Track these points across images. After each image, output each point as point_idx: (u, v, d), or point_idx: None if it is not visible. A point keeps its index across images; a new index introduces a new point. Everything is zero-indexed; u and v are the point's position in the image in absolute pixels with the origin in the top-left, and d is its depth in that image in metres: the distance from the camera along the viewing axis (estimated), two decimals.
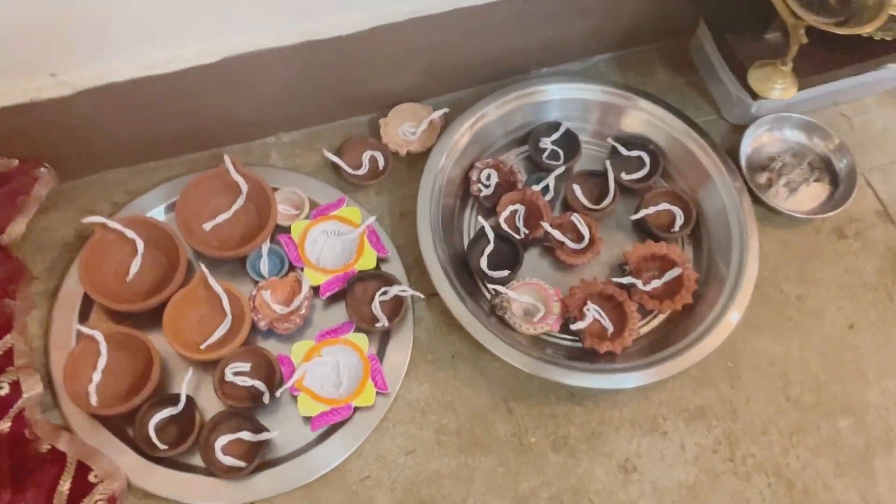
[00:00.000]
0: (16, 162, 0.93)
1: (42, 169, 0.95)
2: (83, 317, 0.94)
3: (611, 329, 0.96)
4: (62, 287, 0.95)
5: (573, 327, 0.96)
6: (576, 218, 1.01)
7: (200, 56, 0.89)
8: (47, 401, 0.89)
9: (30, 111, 0.86)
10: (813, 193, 1.11)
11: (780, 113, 1.12)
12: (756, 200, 1.07)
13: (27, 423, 0.86)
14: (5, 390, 0.86)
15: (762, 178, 1.11)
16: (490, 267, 0.99)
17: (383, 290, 0.96)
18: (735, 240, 1.01)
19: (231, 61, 0.90)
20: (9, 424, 0.85)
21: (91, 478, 0.83)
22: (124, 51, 0.86)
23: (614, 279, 0.99)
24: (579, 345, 0.97)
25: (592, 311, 0.96)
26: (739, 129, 1.12)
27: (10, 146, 0.91)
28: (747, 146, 1.10)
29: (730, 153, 1.08)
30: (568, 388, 0.94)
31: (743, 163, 1.08)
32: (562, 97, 1.08)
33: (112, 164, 1.03)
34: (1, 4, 0.74)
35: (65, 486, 0.82)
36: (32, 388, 0.87)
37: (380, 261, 1.00)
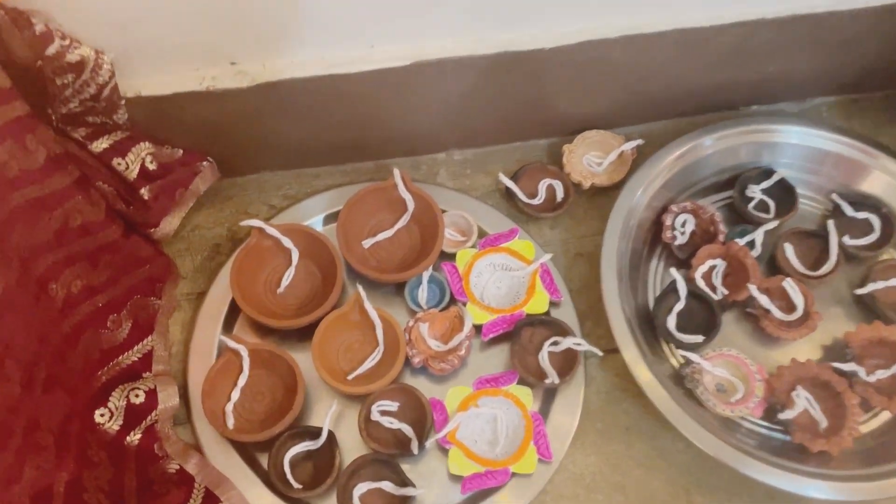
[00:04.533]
0: (180, 152, 0.87)
1: (204, 163, 0.89)
2: (227, 325, 0.87)
3: (824, 424, 0.80)
4: (209, 291, 0.88)
5: (781, 416, 0.80)
6: (788, 284, 0.86)
7: (388, 58, 0.80)
8: (180, 414, 0.82)
9: (203, 100, 0.80)
10: None
11: None
12: None
13: (157, 437, 0.78)
14: (140, 398, 0.79)
15: None
16: (678, 328, 0.85)
17: (554, 339, 0.84)
18: None
19: (418, 66, 0.81)
20: (139, 437, 0.78)
21: None
22: (310, 45, 0.79)
23: (834, 364, 0.82)
24: (778, 435, 0.82)
25: (803, 399, 0.80)
26: None
27: (175, 135, 0.86)
28: None
29: None
30: (767, 487, 0.78)
31: None
32: (789, 141, 0.93)
33: (273, 166, 0.96)
34: None
35: None
36: (168, 400, 0.80)
37: (551, 305, 0.88)
